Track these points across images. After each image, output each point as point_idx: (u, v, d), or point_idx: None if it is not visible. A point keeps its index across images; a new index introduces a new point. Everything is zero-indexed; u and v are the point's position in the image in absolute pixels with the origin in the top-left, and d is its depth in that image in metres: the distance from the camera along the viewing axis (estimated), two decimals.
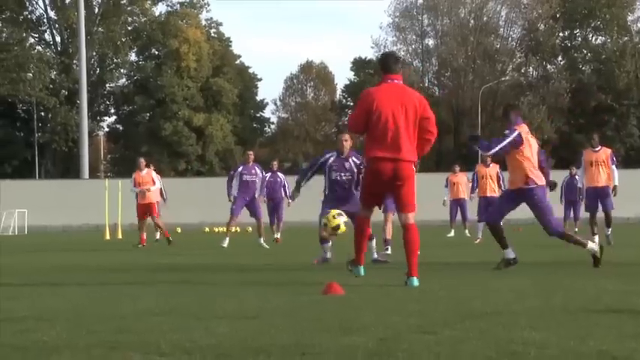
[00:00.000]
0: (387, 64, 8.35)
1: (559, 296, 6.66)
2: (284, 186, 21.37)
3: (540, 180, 9.97)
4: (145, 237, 19.73)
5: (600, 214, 16.18)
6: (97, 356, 4.18)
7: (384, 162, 8.10)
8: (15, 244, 23.34)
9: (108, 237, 27.45)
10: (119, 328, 5.16)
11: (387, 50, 67.33)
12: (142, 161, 20.69)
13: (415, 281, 7.98)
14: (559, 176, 27.72)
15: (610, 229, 16.18)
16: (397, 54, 9.31)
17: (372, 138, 8.17)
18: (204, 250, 17.34)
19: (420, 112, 8.20)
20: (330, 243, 11.94)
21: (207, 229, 34.38)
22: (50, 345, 4.55)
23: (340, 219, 9.29)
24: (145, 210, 19.96)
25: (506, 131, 9.94)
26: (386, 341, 4.49)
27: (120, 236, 27.97)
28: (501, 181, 19.50)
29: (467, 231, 23.39)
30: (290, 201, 20.42)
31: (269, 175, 21.01)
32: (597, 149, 16.11)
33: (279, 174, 21.48)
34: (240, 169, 18.22)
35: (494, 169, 19.76)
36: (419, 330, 4.89)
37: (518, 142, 9.86)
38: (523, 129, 10.02)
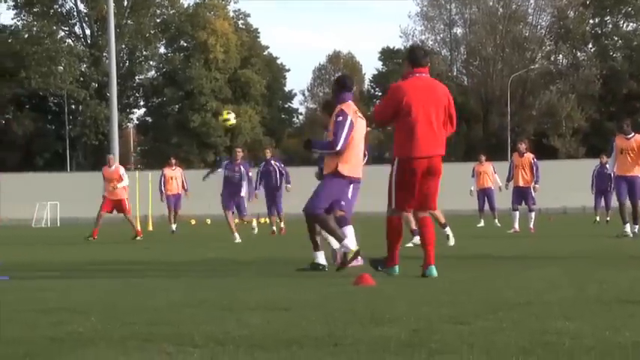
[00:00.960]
0: (415, 57, 8.14)
1: (592, 287, 6.61)
2: (280, 174, 20.74)
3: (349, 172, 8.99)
4: (97, 231, 19.57)
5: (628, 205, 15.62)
6: (132, 348, 4.21)
7: (419, 161, 7.96)
8: (47, 236, 23.54)
9: (139, 229, 27.57)
10: (153, 320, 5.19)
11: (415, 40, 67.20)
12: (111, 157, 21.08)
13: (434, 270, 7.93)
14: (590, 165, 27.56)
15: (638, 227, 15.28)
16: (425, 47, 8.67)
17: (404, 135, 7.97)
18: (234, 242, 17.38)
19: (448, 107, 8.12)
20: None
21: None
22: (85, 337, 4.59)
23: (230, 115, 9.77)
24: (112, 206, 19.98)
25: (339, 117, 8.81)
26: (418, 332, 4.48)
27: (150, 228, 28.12)
28: (535, 171, 19.05)
29: (496, 220, 23.25)
30: (288, 185, 20.66)
31: (262, 165, 20.86)
32: (630, 136, 15.37)
33: (273, 162, 20.98)
34: (225, 162, 18.24)
35: (527, 158, 19.13)
36: (451, 321, 4.87)
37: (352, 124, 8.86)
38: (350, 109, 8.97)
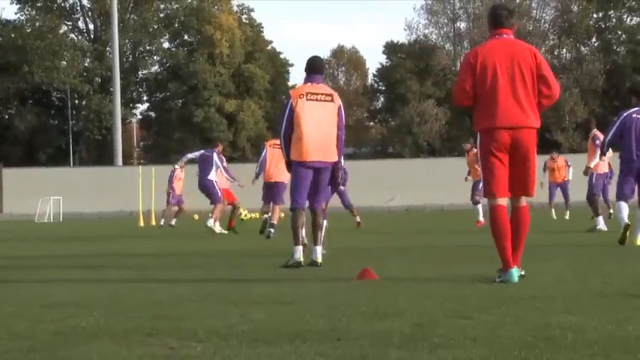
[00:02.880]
0: (496, 17, 7.02)
1: (596, 281, 6.61)
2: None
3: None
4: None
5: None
6: (135, 342, 4.22)
7: (500, 132, 6.77)
8: (51, 231, 23.57)
9: (142, 224, 27.62)
10: (156, 314, 5.20)
11: (419, 35, 67.11)
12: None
13: (515, 274, 6.71)
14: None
15: None
16: (509, 6, 7.98)
17: (481, 104, 6.87)
18: (238, 236, 17.40)
19: (535, 68, 6.87)
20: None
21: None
22: (89, 331, 4.60)
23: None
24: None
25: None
26: (421, 326, 4.49)
27: (153, 222, 28.14)
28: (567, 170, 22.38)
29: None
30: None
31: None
32: None
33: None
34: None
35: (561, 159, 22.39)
36: (455, 315, 4.87)
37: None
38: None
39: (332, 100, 8.95)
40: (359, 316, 4.93)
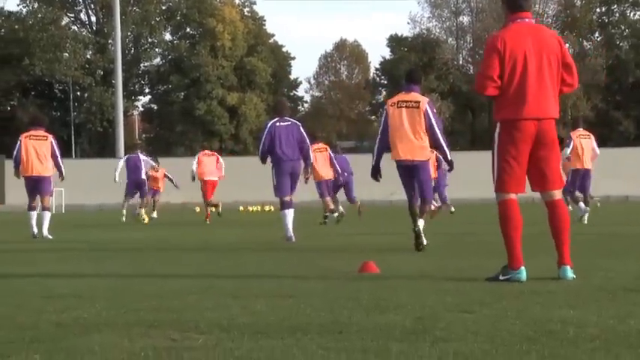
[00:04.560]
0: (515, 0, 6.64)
1: (598, 275, 6.61)
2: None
3: None
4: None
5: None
6: (137, 334, 4.23)
7: (526, 124, 6.42)
8: (53, 223, 23.57)
9: (144, 216, 27.60)
10: (157, 306, 5.21)
11: (422, 28, 67.07)
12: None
13: (569, 271, 6.41)
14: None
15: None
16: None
17: (507, 93, 6.45)
18: (239, 229, 17.42)
19: (562, 56, 6.56)
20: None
21: (241, 208, 34.64)
22: (90, 322, 4.61)
23: None
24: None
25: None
26: (423, 320, 4.49)
27: (155, 215, 28.13)
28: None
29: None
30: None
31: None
32: None
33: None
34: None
35: None
36: (456, 309, 4.88)
37: None
38: None
39: (418, 107, 10.07)
40: (360, 309, 4.94)
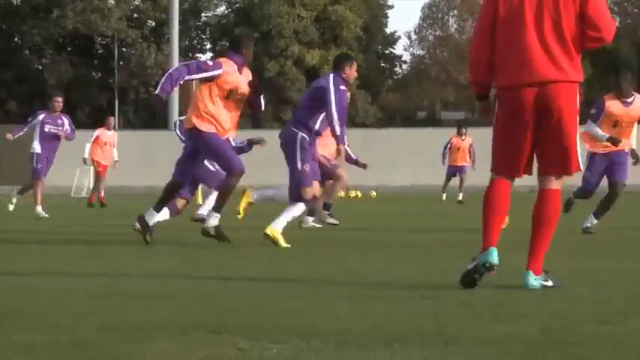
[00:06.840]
0: None
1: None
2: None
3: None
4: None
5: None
6: (197, 341, 4.29)
7: (523, 91, 6.20)
8: (92, 209, 24.07)
9: (200, 201, 27.90)
10: (221, 308, 5.31)
11: None
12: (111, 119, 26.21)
13: (532, 280, 6.22)
14: None
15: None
16: None
17: (501, 54, 6.30)
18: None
19: (578, 4, 6.16)
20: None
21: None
22: (140, 326, 4.68)
23: None
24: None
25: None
26: (551, 332, 4.49)
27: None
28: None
29: None
30: None
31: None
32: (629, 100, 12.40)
33: None
34: (41, 117, 18.04)
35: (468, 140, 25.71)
36: (593, 320, 4.86)
37: None
38: None
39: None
40: (474, 317, 4.95)
